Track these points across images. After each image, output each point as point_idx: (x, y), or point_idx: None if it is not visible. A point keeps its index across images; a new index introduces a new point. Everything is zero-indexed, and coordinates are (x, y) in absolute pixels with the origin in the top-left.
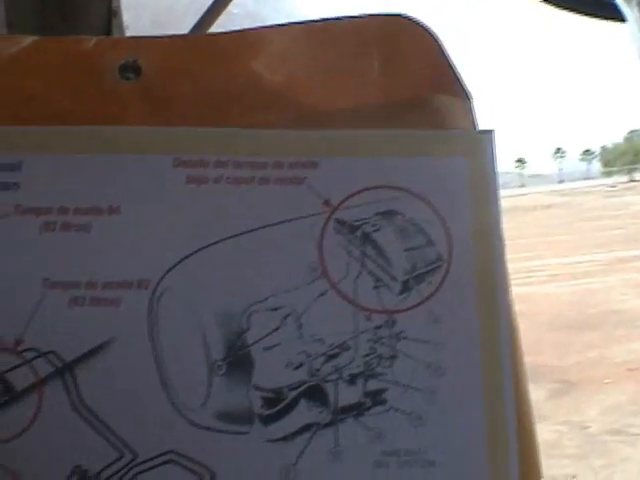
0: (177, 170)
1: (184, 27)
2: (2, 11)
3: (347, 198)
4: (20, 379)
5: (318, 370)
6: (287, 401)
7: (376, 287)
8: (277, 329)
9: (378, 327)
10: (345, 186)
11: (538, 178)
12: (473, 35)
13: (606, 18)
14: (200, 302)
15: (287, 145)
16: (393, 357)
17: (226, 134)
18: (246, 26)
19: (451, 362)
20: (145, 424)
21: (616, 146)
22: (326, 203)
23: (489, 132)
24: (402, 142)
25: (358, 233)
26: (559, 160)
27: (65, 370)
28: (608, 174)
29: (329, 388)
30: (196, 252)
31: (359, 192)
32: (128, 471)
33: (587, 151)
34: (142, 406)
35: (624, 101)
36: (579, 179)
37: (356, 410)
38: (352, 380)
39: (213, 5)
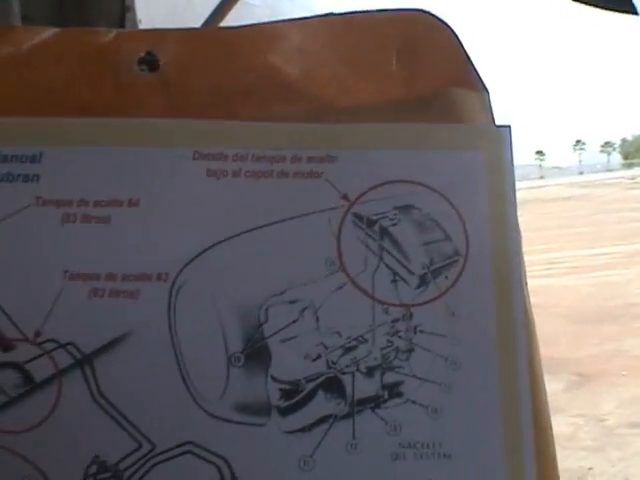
0: (197, 163)
1: (203, 18)
2: (17, 5)
3: (365, 192)
4: (40, 370)
5: (335, 362)
6: (304, 393)
7: (394, 281)
8: (295, 322)
9: (395, 320)
10: (363, 180)
11: (558, 170)
12: (495, 26)
13: (620, 11)
14: (218, 295)
15: (305, 139)
16: (410, 350)
17: (245, 127)
18: (266, 18)
19: (467, 356)
20: (163, 415)
21: (636, 138)
22: (344, 197)
23: (506, 127)
24: (420, 136)
25: (376, 227)
26: (579, 152)
27: (84, 361)
28: (628, 166)
29: (346, 380)
30: (215, 245)
31: (377, 186)
32: (146, 462)
33: (607, 143)
34: (160, 397)
35: None
36: (599, 171)
37: (373, 402)
38: (369, 372)
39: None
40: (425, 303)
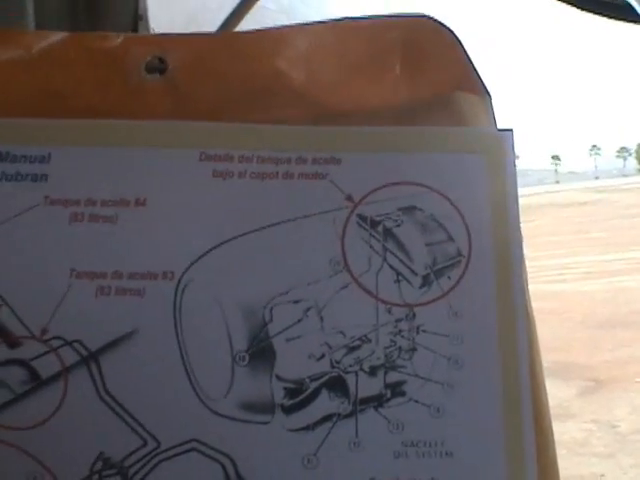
0: (203, 164)
1: (220, 24)
2: (31, 14)
3: (369, 193)
4: (46, 367)
5: (339, 362)
6: (308, 392)
7: (397, 281)
8: (299, 321)
9: (398, 320)
10: (367, 182)
11: (573, 175)
12: (510, 32)
13: (624, 20)
14: (223, 294)
15: (310, 141)
16: (413, 350)
17: (251, 130)
18: (280, 22)
19: (470, 356)
20: (168, 413)
21: None
22: (348, 198)
23: (508, 130)
24: (423, 139)
25: (380, 228)
26: (595, 157)
27: (90, 359)
28: None
29: (350, 379)
30: (220, 245)
31: (381, 188)
32: (151, 459)
33: (623, 148)
34: (166, 395)
35: None
36: (615, 176)
37: (376, 401)
38: (372, 372)
39: (243, 1)
40: (428, 303)
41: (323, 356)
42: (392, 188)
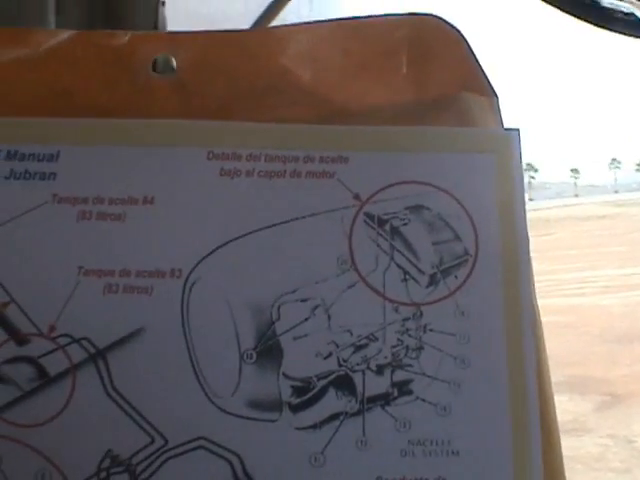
0: (211, 162)
1: None
2: (52, 23)
3: (376, 192)
4: (54, 364)
5: (346, 360)
6: (316, 390)
7: (404, 280)
8: (306, 320)
9: (405, 319)
10: (374, 181)
11: (593, 188)
12: (532, 44)
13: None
14: (231, 292)
15: (318, 140)
16: (420, 349)
17: (258, 128)
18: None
19: (476, 355)
20: (176, 411)
21: None
22: (356, 197)
23: (515, 130)
24: (430, 138)
25: (387, 227)
26: (614, 170)
27: (98, 356)
28: None
29: (357, 378)
30: (228, 243)
31: (388, 187)
32: (159, 456)
33: None
34: (173, 393)
35: None
36: (634, 190)
37: (383, 400)
38: (379, 370)
39: (266, 12)
40: (435, 302)
41: (330, 354)
42: (399, 187)
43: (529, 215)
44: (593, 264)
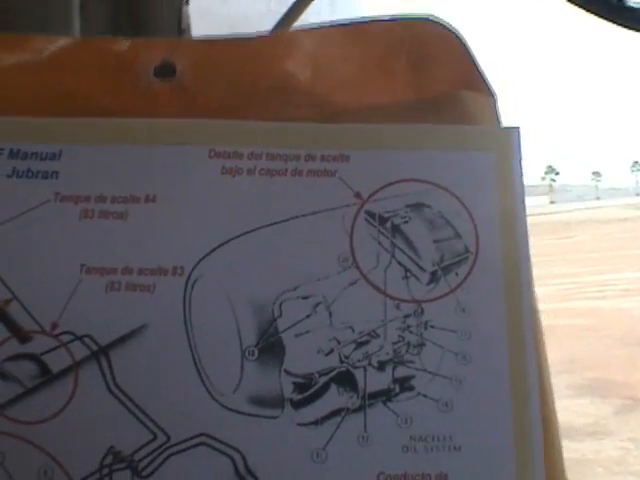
0: (212, 161)
1: None
2: (77, 31)
3: (377, 191)
4: (56, 361)
5: (348, 357)
6: (317, 386)
7: (405, 277)
8: (308, 317)
9: (407, 316)
10: (375, 179)
11: (614, 191)
12: (556, 46)
13: None
14: (233, 289)
15: (319, 138)
16: (421, 345)
17: (260, 127)
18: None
19: (478, 351)
20: (178, 407)
21: None
22: (357, 195)
23: (515, 128)
24: (430, 136)
25: (388, 225)
26: (636, 173)
27: (100, 353)
28: None
29: (358, 374)
30: (229, 241)
31: (389, 185)
32: (161, 453)
33: None
34: (176, 390)
35: None
36: None
37: (385, 396)
38: (381, 367)
39: (287, 14)
40: (436, 299)
41: (332, 351)
42: (400, 185)
43: (550, 218)
44: (614, 267)
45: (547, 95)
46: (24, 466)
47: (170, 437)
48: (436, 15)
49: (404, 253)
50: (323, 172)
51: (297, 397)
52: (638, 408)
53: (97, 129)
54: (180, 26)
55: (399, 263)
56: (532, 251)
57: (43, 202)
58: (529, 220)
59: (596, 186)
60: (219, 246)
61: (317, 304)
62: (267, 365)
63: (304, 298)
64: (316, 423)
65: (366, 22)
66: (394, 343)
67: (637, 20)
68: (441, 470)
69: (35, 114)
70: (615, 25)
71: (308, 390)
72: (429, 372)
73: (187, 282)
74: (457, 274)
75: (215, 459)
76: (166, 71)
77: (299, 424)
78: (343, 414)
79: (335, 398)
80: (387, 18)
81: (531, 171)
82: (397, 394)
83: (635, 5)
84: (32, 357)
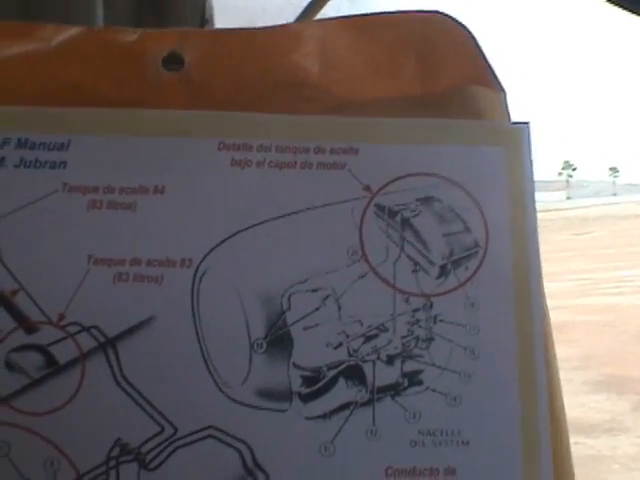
0: (222, 153)
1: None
2: (100, 20)
3: (387, 184)
4: (63, 352)
5: (356, 350)
6: (326, 380)
7: (414, 271)
8: (317, 310)
9: (416, 310)
10: (385, 172)
11: (632, 187)
12: (574, 40)
13: None
14: (241, 282)
15: (328, 131)
16: (430, 339)
17: (269, 119)
18: (343, 10)
19: (486, 346)
20: (186, 400)
21: None
22: (366, 188)
23: (525, 124)
24: (441, 130)
25: (397, 218)
26: None
27: (108, 345)
28: None
29: (367, 368)
30: (238, 233)
31: (399, 178)
32: (168, 445)
33: None
34: (183, 382)
35: None
36: None
37: (393, 390)
38: (390, 360)
39: (307, 8)
40: (445, 293)
41: (340, 344)
42: (410, 179)
43: (567, 214)
44: (631, 263)
45: (565, 90)
46: (30, 457)
47: (177, 429)
48: (449, 9)
49: (413, 247)
50: (332, 165)
51: (305, 390)
52: None
53: (106, 119)
54: (203, 16)
55: (408, 257)
56: (548, 247)
57: (51, 192)
58: (545, 215)
59: (613, 182)
60: (228, 238)
61: (326, 297)
62: (275, 358)
63: (313, 291)
64: (324, 417)
65: (375, 16)
66: (403, 337)
67: None
68: (449, 464)
69: (42, 105)
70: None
71: (316, 383)
72: (438, 366)
73: (195, 274)
74: (466, 268)
75: (223, 452)
76: (174, 62)
77: (307, 417)
78: (351, 408)
79: (343, 392)
80: (396, 12)
81: (548, 166)
82: (406, 388)
83: None
84: (39, 348)
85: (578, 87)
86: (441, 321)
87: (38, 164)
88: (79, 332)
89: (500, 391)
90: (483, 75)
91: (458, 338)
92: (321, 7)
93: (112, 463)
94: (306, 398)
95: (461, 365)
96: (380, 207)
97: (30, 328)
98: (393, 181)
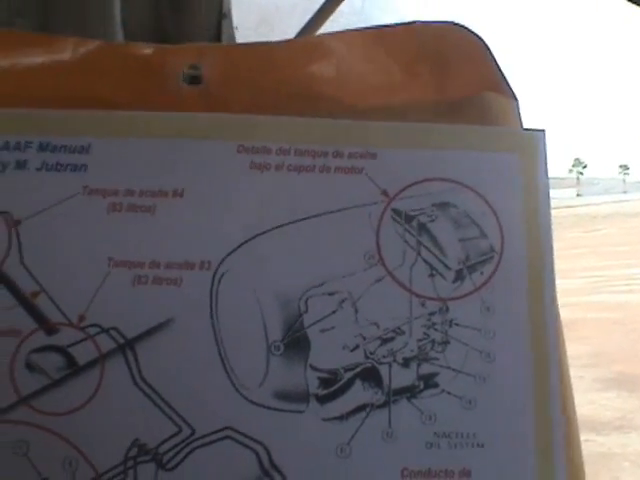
0: (241, 156)
1: (291, 25)
2: (118, 13)
3: (404, 189)
4: (83, 354)
5: (373, 353)
6: (342, 382)
7: (431, 275)
8: (334, 312)
9: (432, 313)
10: (402, 177)
11: None
12: (584, 39)
13: None
14: (259, 284)
15: (347, 135)
16: (445, 343)
17: (289, 123)
18: (352, 24)
19: (501, 349)
20: (204, 401)
21: None
22: (384, 193)
23: (541, 131)
24: (458, 136)
25: (414, 223)
26: None
27: (127, 346)
28: None
29: (383, 370)
30: (256, 236)
31: (416, 183)
32: (186, 446)
33: None
34: (201, 383)
35: None
36: None
37: (409, 392)
38: (406, 363)
39: (325, 4)
40: (461, 297)
41: (357, 347)
42: (427, 184)
43: (577, 211)
44: None
45: (575, 87)
46: (48, 457)
47: (195, 430)
48: (461, 14)
49: (430, 251)
50: (350, 169)
51: (322, 392)
52: None
53: (126, 122)
54: (221, 10)
55: (425, 261)
56: (559, 244)
57: (72, 195)
58: (556, 213)
59: (623, 179)
60: (246, 241)
61: (343, 300)
62: (293, 360)
63: (330, 294)
64: (341, 418)
65: (390, 27)
66: (419, 340)
67: None
68: (464, 467)
69: None
70: None
71: (333, 385)
72: (453, 369)
73: (214, 277)
74: (482, 273)
75: (239, 453)
76: (194, 76)
77: (324, 419)
78: (368, 410)
79: (360, 394)
80: (411, 23)
81: (558, 163)
82: (421, 391)
83: None
84: (59, 349)
85: (588, 85)
86: (457, 325)
87: (59, 167)
88: (99, 333)
89: (515, 394)
90: (496, 83)
91: (473, 342)
92: (335, 7)
93: (130, 463)
94: (323, 400)
95: (476, 368)
96: (397, 212)
97: (50, 329)
98: (410, 186)
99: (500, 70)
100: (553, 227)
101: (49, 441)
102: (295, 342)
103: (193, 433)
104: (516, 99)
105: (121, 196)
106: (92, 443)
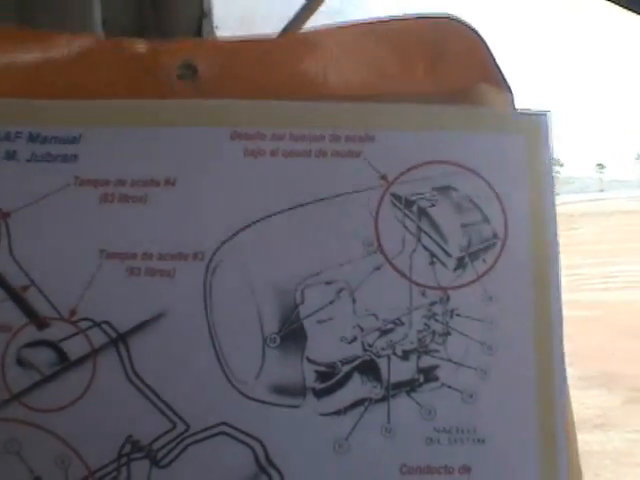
0: (234, 143)
1: (271, 23)
2: (98, 10)
3: (404, 173)
4: (75, 348)
5: (371, 345)
6: (340, 375)
7: (431, 263)
8: (331, 303)
9: (432, 303)
10: (402, 160)
11: (618, 183)
12: (560, 37)
13: None
14: (254, 275)
15: (344, 118)
16: (446, 334)
17: (283, 107)
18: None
19: (503, 341)
20: (198, 396)
21: None
22: (383, 177)
23: (545, 113)
24: (459, 118)
25: (414, 208)
26: None
27: (119, 340)
28: None
29: (382, 363)
30: (251, 225)
31: (415, 167)
32: (180, 442)
33: None
34: (195, 378)
35: None
36: None
37: (409, 386)
38: (405, 356)
39: (307, 3)
40: (462, 286)
41: (355, 339)
42: (427, 167)
43: None
44: (618, 259)
45: (551, 86)
46: (40, 454)
47: (189, 426)
48: (458, 9)
49: (430, 237)
50: (348, 153)
51: (319, 386)
52: None
53: (116, 111)
54: (202, 9)
55: (425, 248)
56: None
57: (63, 186)
58: None
59: (600, 178)
60: (240, 230)
61: (340, 290)
62: (289, 353)
63: (327, 283)
64: (339, 413)
65: (386, 20)
66: (419, 331)
67: None
68: (464, 463)
69: None
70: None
71: (331, 379)
72: (454, 362)
73: (208, 267)
74: (484, 260)
75: (235, 449)
76: (188, 71)
77: (321, 414)
78: (366, 404)
79: (358, 387)
80: (407, 16)
81: None
82: (421, 384)
83: None
84: (50, 344)
85: (564, 83)
86: (458, 315)
87: (50, 158)
88: (90, 327)
89: (517, 388)
90: (492, 75)
91: (475, 333)
92: (320, 3)
93: (123, 460)
94: (320, 394)
95: (477, 361)
96: (396, 197)
97: (41, 324)
98: (410, 170)
99: (496, 63)
100: None
101: (41, 439)
102: (291, 334)
103: (187, 429)
104: (511, 92)
105: (112, 186)
106: (85, 440)
